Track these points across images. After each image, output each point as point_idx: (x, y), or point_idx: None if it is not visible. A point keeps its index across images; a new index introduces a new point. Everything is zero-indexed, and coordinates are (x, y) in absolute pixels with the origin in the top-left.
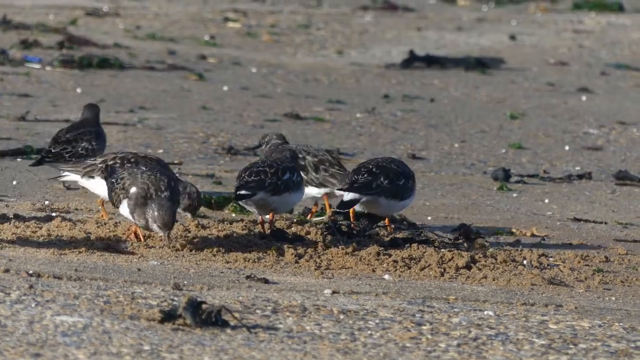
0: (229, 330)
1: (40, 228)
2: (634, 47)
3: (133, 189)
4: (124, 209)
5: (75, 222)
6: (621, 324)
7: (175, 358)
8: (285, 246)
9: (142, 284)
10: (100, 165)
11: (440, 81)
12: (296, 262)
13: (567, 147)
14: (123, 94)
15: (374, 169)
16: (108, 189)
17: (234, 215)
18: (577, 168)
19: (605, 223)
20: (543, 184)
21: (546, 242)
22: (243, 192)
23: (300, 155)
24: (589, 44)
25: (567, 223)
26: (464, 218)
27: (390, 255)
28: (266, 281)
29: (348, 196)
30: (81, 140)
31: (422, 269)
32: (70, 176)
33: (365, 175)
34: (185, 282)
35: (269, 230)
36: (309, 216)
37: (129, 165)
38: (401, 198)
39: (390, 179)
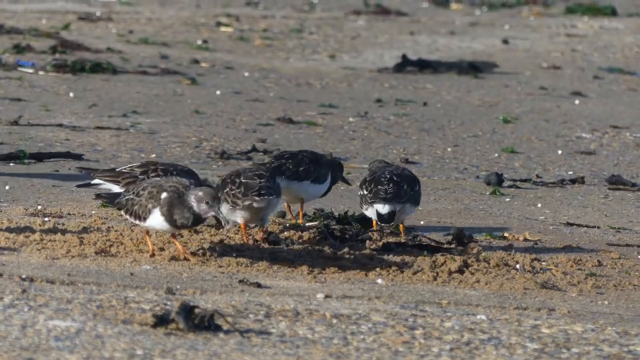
0: (221, 335)
1: (33, 233)
2: (626, 51)
3: (164, 194)
4: (156, 218)
5: (67, 227)
6: (614, 328)
7: None
8: (278, 250)
9: (134, 289)
10: (142, 177)
11: (433, 85)
12: (289, 266)
13: (560, 152)
14: (116, 98)
15: (395, 178)
16: (125, 205)
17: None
18: (570, 172)
19: (598, 227)
20: (536, 189)
21: (539, 246)
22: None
23: None
24: (582, 48)
25: (560, 227)
26: (456, 222)
27: (383, 260)
28: (259, 285)
29: (385, 209)
30: None
31: (414, 273)
32: (106, 185)
33: (392, 186)
34: (178, 287)
35: (261, 237)
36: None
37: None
38: (417, 203)
39: (410, 187)
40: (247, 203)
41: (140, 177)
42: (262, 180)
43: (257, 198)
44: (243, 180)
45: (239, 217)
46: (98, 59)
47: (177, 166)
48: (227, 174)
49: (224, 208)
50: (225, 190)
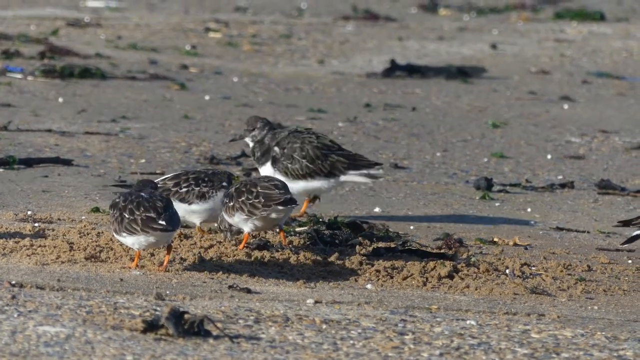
0: (211, 340)
1: (23, 238)
2: (615, 56)
3: None
4: None
5: (57, 233)
6: (604, 333)
7: None
8: (268, 255)
9: (124, 294)
10: (174, 189)
11: (422, 90)
12: (279, 271)
13: (549, 156)
14: (105, 104)
15: None
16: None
17: (216, 224)
18: (560, 177)
19: (588, 232)
20: (525, 193)
21: (529, 251)
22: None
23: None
24: (570, 52)
25: (549, 232)
26: (446, 227)
27: (372, 265)
28: (249, 291)
29: None
30: None
31: (404, 279)
32: None
33: None
34: (167, 292)
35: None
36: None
37: (204, 184)
38: None
39: None
40: (265, 213)
41: (172, 189)
42: (282, 191)
43: (280, 207)
44: (261, 190)
45: (251, 226)
46: (87, 64)
47: (208, 171)
48: (240, 182)
49: (237, 217)
50: (240, 199)
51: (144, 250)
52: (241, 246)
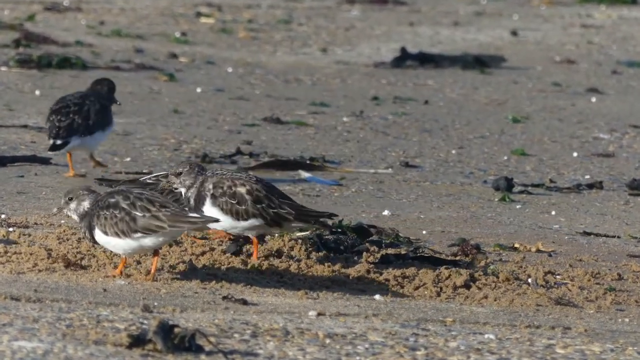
0: (203, 357)
1: None
2: None
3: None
4: None
5: (34, 238)
6: (635, 348)
7: None
8: (267, 263)
9: (108, 306)
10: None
11: (435, 81)
12: (278, 280)
13: (575, 154)
14: None
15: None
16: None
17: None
18: (587, 177)
19: (618, 237)
20: (549, 195)
21: (553, 258)
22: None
23: None
24: (598, 39)
25: (576, 237)
26: (462, 232)
27: (381, 273)
28: (245, 302)
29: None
30: None
31: (416, 288)
32: None
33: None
34: (155, 304)
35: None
36: None
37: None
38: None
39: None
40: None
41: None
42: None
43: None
44: (283, 200)
45: (259, 231)
46: (66, 53)
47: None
48: (249, 183)
49: (250, 221)
50: (261, 206)
51: (143, 254)
52: (255, 255)
